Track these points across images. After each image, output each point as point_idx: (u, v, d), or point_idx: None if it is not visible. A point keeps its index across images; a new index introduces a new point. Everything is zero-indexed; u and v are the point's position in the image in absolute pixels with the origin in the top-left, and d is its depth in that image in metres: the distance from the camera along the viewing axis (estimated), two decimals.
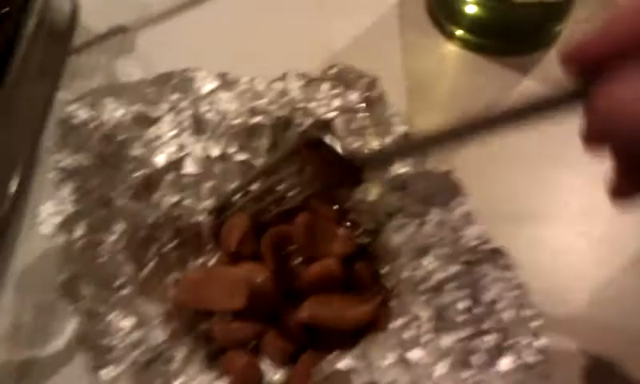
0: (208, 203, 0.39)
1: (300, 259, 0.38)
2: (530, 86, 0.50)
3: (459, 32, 0.51)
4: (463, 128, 0.28)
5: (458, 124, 0.28)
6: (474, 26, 0.51)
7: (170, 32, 0.50)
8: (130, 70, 0.47)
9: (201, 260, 0.38)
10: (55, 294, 0.37)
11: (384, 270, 0.37)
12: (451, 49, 0.52)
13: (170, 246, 0.37)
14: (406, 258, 0.34)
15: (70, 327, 0.38)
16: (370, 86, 0.38)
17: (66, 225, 0.30)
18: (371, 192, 0.37)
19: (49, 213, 0.30)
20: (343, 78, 0.39)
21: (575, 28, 0.51)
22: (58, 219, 0.30)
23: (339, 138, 0.38)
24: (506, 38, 0.51)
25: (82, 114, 0.34)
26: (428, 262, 0.33)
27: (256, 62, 0.41)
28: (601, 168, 0.27)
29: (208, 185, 0.39)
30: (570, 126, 0.26)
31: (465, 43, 0.51)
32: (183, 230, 0.38)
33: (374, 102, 0.38)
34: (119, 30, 0.49)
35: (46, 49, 0.40)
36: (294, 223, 0.37)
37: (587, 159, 0.27)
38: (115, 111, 0.36)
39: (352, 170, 0.34)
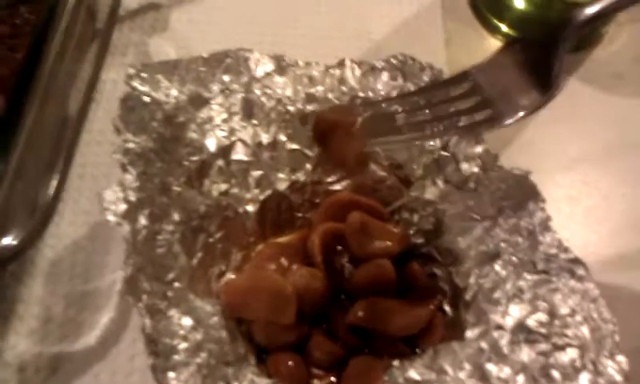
0: (255, 193, 0.37)
1: (348, 258, 0.36)
2: (573, 86, 0.49)
3: (503, 27, 0.50)
4: None
5: None
6: (519, 22, 0.49)
7: (206, 11, 0.47)
8: (164, 49, 0.44)
9: (243, 253, 0.36)
10: (86, 284, 0.35)
11: (441, 273, 0.36)
12: (494, 43, 0.50)
13: (217, 236, 0.35)
14: (473, 263, 0.33)
15: (101, 320, 0.35)
16: (433, 78, 0.36)
17: (130, 213, 0.28)
18: (429, 190, 0.36)
19: (112, 200, 0.27)
20: (404, 68, 0.37)
21: (618, 30, 0.51)
22: (122, 207, 0.28)
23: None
24: None
25: (143, 92, 0.32)
26: (500, 269, 0.32)
27: (293, 47, 0.40)
28: None
29: (256, 174, 0.37)
30: None
31: (509, 39, 0.50)
32: (229, 221, 0.36)
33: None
34: (151, 7, 0.45)
35: (87, 25, 0.37)
36: (346, 222, 0.35)
37: None
38: (170, 90, 0.33)
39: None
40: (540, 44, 0.33)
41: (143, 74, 0.32)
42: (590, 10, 0.33)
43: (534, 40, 0.33)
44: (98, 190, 0.29)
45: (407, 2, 0.50)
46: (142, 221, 0.28)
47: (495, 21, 0.50)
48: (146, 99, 0.32)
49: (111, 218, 0.27)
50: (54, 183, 0.35)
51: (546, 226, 0.32)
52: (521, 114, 0.33)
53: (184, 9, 0.47)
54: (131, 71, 0.32)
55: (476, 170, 0.34)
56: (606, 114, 0.47)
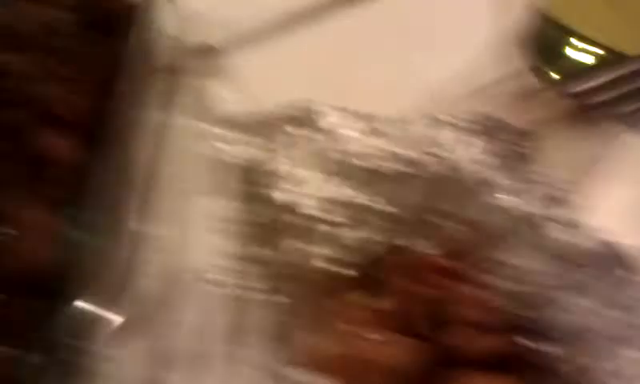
0: (325, 251, 0.35)
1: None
2: (633, 141, 0.47)
3: (558, 78, 0.49)
4: None
5: None
6: (575, 72, 0.48)
7: (267, 57, 0.46)
8: (219, 94, 0.42)
9: (318, 311, 0.34)
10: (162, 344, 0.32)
11: (537, 347, 0.33)
12: (549, 95, 0.49)
13: (290, 297, 0.33)
14: (568, 337, 0.31)
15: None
16: (518, 139, 0.35)
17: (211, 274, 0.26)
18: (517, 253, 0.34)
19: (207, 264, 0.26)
20: (467, 122, 0.37)
21: None
22: (216, 272, 0.26)
23: None
24: None
25: (215, 148, 0.31)
26: (600, 343, 0.30)
27: (355, 98, 0.38)
28: None
29: (324, 229, 0.35)
30: None
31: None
32: (302, 278, 0.34)
33: (520, 158, 0.35)
34: (205, 49, 0.43)
35: (149, 68, 0.36)
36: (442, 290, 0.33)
37: None
38: (241, 143, 0.32)
39: None
40: None
41: (213, 128, 0.31)
42: None
43: None
44: (174, 246, 0.27)
45: (469, 54, 0.49)
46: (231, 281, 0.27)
47: (550, 72, 0.49)
48: (220, 155, 0.31)
49: (195, 278, 0.26)
50: (128, 242, 0.31)
51: None
52: None
53: (245, 55, 0.45)
54: (203, 126, 0.31)
55: (567, 236, 0.32)
56: None
